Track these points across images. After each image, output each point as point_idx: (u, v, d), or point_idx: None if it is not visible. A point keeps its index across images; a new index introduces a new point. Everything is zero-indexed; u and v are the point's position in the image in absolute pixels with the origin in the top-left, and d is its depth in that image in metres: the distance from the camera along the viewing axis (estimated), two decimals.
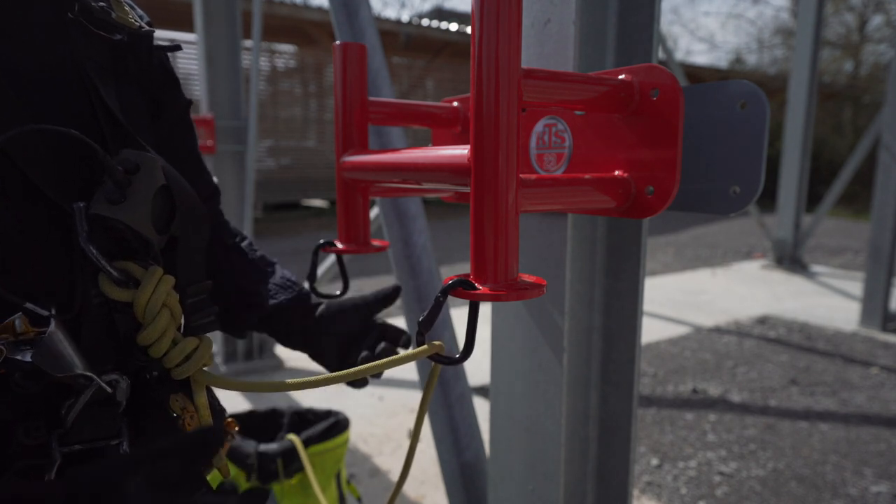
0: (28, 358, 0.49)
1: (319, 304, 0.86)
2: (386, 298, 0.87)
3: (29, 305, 0.51)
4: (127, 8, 0.66)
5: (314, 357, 0.86)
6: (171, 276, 0.60)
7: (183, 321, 0.62)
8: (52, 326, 0.50)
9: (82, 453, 0.56)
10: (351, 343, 0.84)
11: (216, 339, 3.74)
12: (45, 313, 0.51)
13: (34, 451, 0.53)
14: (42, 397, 0.54)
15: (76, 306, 0.55)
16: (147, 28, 0.67)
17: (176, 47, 0.72)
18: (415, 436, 0.73)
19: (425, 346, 0.65)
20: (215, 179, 0.91)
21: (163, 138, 0.73)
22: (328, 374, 0.63)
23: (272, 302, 0.83)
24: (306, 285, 0.90)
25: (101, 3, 0.62)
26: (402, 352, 0.81)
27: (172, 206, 0.60)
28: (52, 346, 0.50)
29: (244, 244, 0.89)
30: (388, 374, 3.88)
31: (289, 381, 0.62)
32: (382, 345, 0.81)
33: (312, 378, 0.62)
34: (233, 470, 1.71)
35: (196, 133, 0.84)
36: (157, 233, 0.58)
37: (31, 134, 0.52)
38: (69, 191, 0.55)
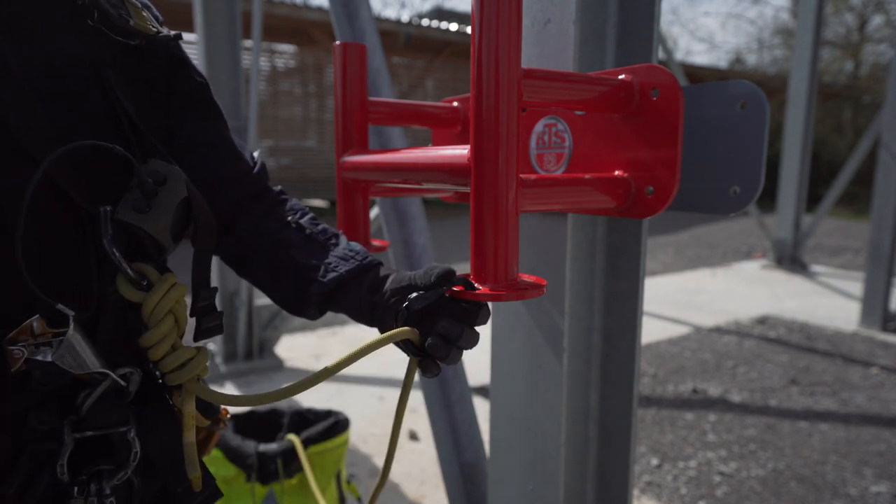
0: (49, 358, 0.52)
1: (388, 275, 0.74)
2: (442, 278, 0.68)
3: (60, 306, 0.54)
4: (145, 13, 0.67)
5: (381, 330, 0.73)
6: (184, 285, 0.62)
7: (195, 323, 0.65)
8: (72, 329, 0.53)
9: (93, 439, 0.59)
10: (422, 320, 0.68)
11: (216, 338, 3.74)
12: (71, 313, 0.54)
13: (47, 436, 0.57)
14: (57, 388, 0.57)
15: (93, 303, 0.58)
16: (164, 33, 0.69)
17: (177, 35, 0.72)
18: (397, 418, 0.71)
19: (403, 329, 0.65)
20: (255, 154, 0.85)
21: (179, 126, 0.73)
22: (303, 379, 0.62)
23: (331, 276, 0.74)
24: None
25: (120, 11, 0.64)
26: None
27: (188, 217, 0.62)
28: (72, 348, 0.53)
29: (304, 219, 0.81)
30: (388, 374, 3.85)
31: (270, 391, 0.62)
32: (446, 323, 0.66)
33: (294, 384, 0.62)
34: (233, 470, 1.71)
35: (221, 117, 0.79)
36: (172, 241, 0.61)
37: (59, 141, 0.54)
38: (94, 194, 0.57)
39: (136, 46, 0.66)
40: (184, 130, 0.74)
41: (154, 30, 0.67)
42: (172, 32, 0.71)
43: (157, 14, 0.73)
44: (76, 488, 0.57)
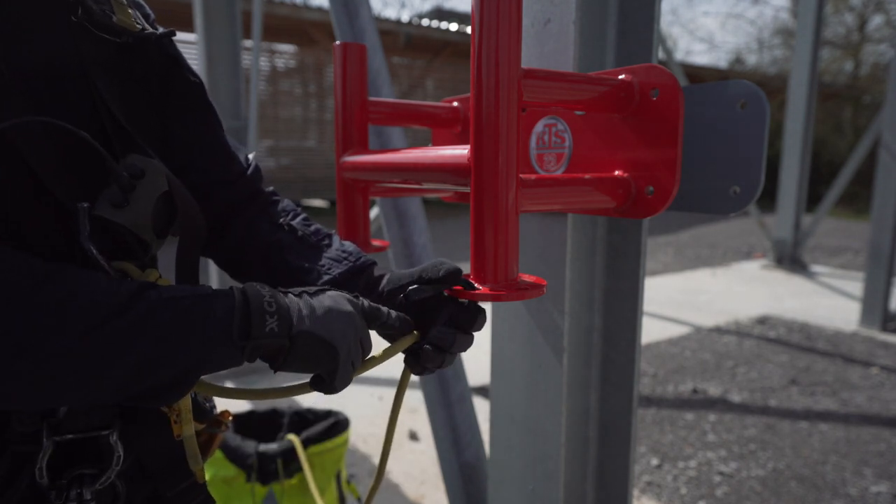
0: None
1: (383, 275, 0.74)
2: (450, 275, 0.69)
3: None
4: (130, 11, 0.67)
5: (385, 338, 0.73)
6: (167, 279, 0.61)
7: None
8: None
9: (74, 442, 0.58)
10: (419, 319, 0.70)
11: None
12: None
13: (28, 438, 0.56)
14: None
15: None
16: (150, 30, 0.67)
17: (171, 32, 0.70)
18: (392, 418, 0.71)
19: (407, 337, 0.66)
20: (251, 156, 0.84)
21: (174, 128, 0.72)
22: (303, 382, 0.62)
23: (324, 279, 0.74)
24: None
25: (104, 7, 0.63)
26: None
27: (173, 211, 0.61)
28: None
29: (296, 221, 0.81)
30: (388, 374, 3.83)
31: (273, 388, 0.62)
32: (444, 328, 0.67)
33: (295, 384, 0.62)
34: (233, 470, 1.71)
35: (216, 117, 0.78)
36: (156, 236, 0.60)
37: (42, 133, 0.53)
38: (75, 190, 0.56)
39: (126, 45, 0.65)
40: (178, 132, 0.73)
41: (139, 27, 0.66)
42: (162, 30, 0.69)
43: (149, 12, 0.72)
44: (54, 492, 0.56)
